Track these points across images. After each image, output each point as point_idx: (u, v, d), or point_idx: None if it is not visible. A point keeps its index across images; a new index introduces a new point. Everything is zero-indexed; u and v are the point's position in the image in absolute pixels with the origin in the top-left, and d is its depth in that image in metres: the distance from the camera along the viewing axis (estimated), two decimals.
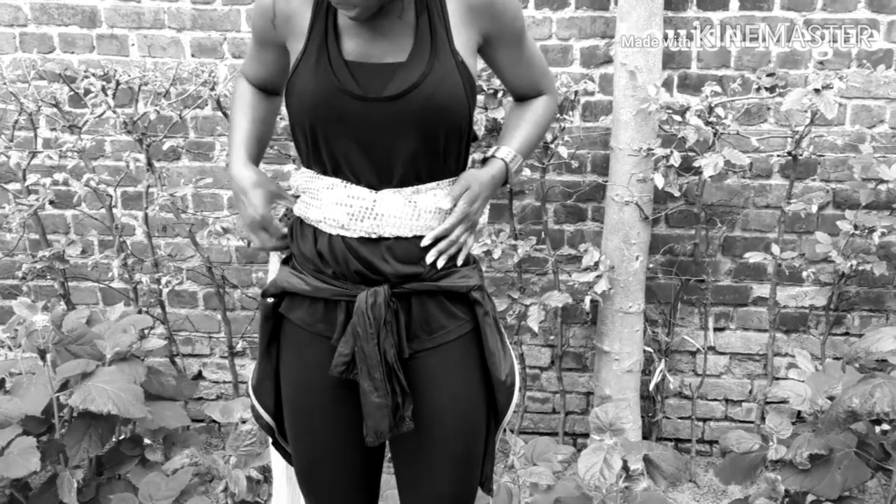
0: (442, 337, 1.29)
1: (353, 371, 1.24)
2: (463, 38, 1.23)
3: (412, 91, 1.17)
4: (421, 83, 1.18)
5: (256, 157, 1.40)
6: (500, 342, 1.35)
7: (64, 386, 1.92)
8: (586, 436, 2.84)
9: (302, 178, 1.30)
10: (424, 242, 1.26)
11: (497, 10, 1.24)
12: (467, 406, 1.31)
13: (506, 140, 1.38)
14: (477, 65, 1.29)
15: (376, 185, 1.23)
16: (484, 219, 1.40)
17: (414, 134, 1.19)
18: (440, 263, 1.27)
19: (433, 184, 1.26)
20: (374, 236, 1.23)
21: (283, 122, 2.39)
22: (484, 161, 1.36)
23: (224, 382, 2.93)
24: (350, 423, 1.30)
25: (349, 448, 1.33)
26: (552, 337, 2.79)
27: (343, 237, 1.24)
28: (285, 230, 1.34)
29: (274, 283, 1.32)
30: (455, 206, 1.27)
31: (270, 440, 1.47)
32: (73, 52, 2.63)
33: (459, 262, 1.30)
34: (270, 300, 1.33)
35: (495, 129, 2.35)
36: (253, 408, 1.42)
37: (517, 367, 1.41)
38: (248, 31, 2.54)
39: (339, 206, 1.23)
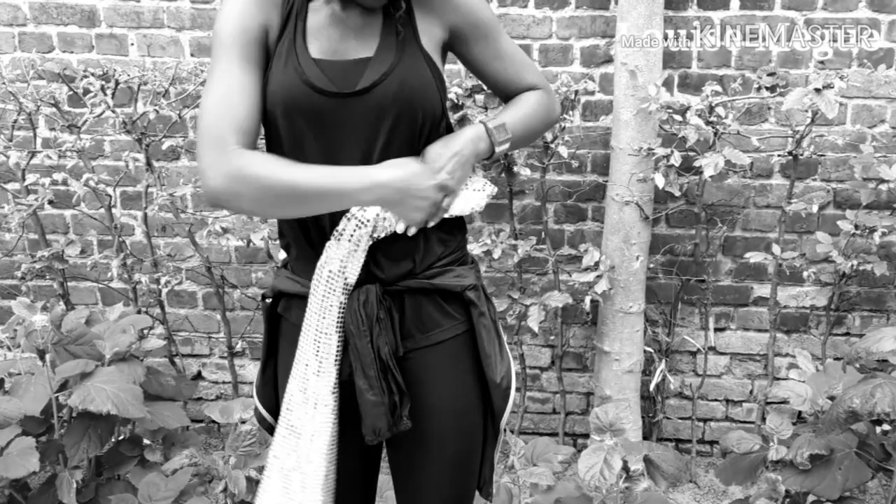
0: (436, 335, 1.28)
1: (348, 371, 1.24)
2: (427, 36, 1.23)
3: (384, 80, 1.18)
4: (392, 72, 1.18)
5: None
6: (498, 344, 1.34)
7: (63, 386, 1.92)
8: (586, 436, 2.83)
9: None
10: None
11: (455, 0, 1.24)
12: (462, 405, 1.31)
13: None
14: (444, 65, 1.28)
15: None
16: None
17: (390, 121, 1.19)
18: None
19: None
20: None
21: None
22: None
23: (223, 383, 2.92)
24: (347, 424, 1.29)
25: (345, 448, 1.33)
26: (552, 337, 2.78)
27: None
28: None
29: (271, 286, 1.34)
30: None
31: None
32: (72, 52, 2.63)
33: (431, 223, 1.24)
34: (269, 300, 1.34)
35: None
36: (256, 409, 1.42)
37: (516, 369, 1.40)
38: None
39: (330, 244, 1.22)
